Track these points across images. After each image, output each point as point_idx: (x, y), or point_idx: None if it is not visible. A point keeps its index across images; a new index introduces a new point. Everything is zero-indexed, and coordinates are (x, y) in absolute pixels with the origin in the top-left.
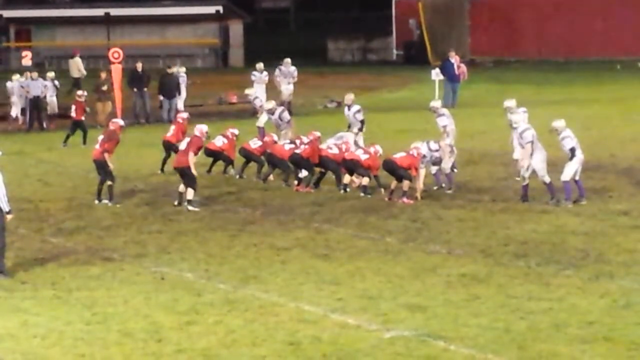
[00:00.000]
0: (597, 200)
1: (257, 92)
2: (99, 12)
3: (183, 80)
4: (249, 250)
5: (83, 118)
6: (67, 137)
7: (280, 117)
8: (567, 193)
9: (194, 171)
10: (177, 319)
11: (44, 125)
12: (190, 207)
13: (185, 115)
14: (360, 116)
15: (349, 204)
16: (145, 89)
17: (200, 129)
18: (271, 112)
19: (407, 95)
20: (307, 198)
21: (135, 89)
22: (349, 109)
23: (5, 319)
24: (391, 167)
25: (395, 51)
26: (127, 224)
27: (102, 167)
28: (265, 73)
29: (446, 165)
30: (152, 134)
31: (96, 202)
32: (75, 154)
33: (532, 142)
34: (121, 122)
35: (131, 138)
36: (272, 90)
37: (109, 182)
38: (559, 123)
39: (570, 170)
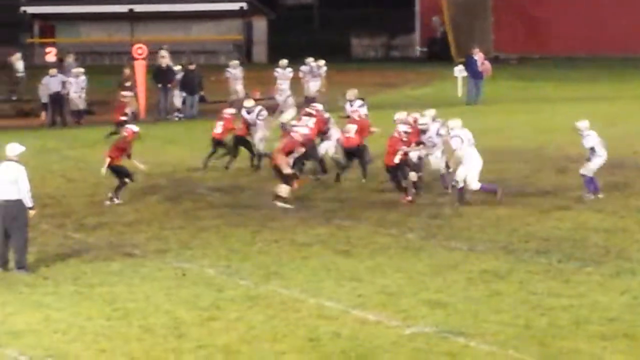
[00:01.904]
0: (619, 196)
1: (282, 87)
2: (123, 8)
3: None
4: (270, 247)
5: (123, 118)
6: (111, 133)
7: (258, 116)
8: (588, 187)
9: (286, 170)
10: (198, 315)
11: (66, 121)
12: (279, 204)
13: (232, 111)
14: (364, 110)
15: (370, 200)
16: (169, 85)
17: (298, 131)
18: (249, 111)
19: (430, 92)
20: (327, 194)
21: (159, 85)
22: (351, 105)
23: (27, 315)
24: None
25: (418, 48)
26: (148, 220)
27: (115, 171)
28: (289, 69)
29: None
30: (175, 130)
31: (108, 203)
32: (98, 150)
33: (461, 148)
34: (135, 129)
35: (154, 134)
36: (296, 86)
37: (126, 180)
38: (583, 124)
39: (593, 166)
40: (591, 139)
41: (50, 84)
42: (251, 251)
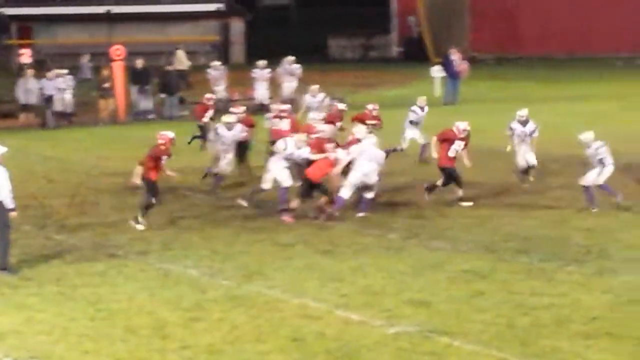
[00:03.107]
0: (600, 196)
1: (258, 89)
2: (100, 9)
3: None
4: (253, 247)
5: (205, 120)
6: (193, 137)
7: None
8: (608, 191)
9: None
10: (181, 315)
11: (49, 122)
12: (464, 204)
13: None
14: (327, 101)
15: (352, 200)
16: (147, 86)
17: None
18: (229, 127)
19: (408, 92)
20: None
21: (136, 86)
22: (313, 97)
23: (10, 316)
24: None
25: (395, 48)
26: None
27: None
28: (267, 70)
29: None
30: (154, 131)
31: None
32: (79, 150)
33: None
34: (170, 135)
35: (133, 135)
36: (274, 87)
37: (149, 200)
38: (587, 135)
39: (603, 177)
40: (601, 150)
41: (46, 87)
42: (234, 252)
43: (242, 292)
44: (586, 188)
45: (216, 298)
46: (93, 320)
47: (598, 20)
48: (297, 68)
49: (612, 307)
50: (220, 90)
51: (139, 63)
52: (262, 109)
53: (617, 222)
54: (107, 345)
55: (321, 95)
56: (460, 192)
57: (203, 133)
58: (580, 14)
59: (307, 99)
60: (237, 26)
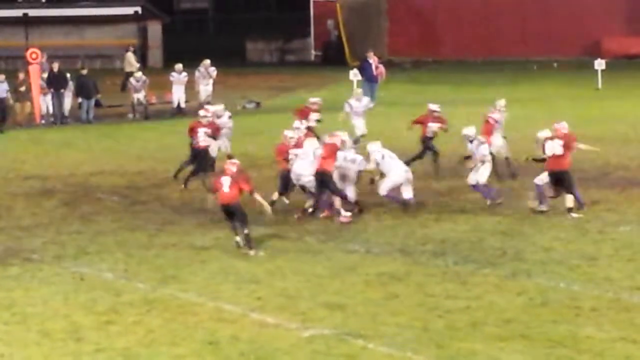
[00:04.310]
0: (514, 199)
1: (175, 92)
2: (17, 12)
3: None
4: (168, 250)
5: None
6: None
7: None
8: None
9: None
10: (96, 319)
11: None
12: (574, 215)
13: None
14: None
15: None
16: (63, 90)
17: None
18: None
19: (325, 96)
20: None
21: (52, 90)
22: (358, 101)
23: None
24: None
25: (313, 52)
26: (46, 224)
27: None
28: (184, 74)
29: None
30: (71, 134)
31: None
32: None
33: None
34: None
35: (49, 139)
36: (191, 90)
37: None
38: (469, 130)
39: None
40: (482, 148)
41: None
42: (149, 255)
43: (157, 295)
44: (474, 187)
45: (131, 301)
46: (7, 324)
47: (513, 24)
48: (212, 71)
49: (526, 309)
50: (140, 96)
51: (55, 67)
52: (180, 112)
53: (531, 225)
54: (21, 349)
55: (366, 100)
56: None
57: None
58: (495, 19)
59: (352, 103)
60: (155, 30)
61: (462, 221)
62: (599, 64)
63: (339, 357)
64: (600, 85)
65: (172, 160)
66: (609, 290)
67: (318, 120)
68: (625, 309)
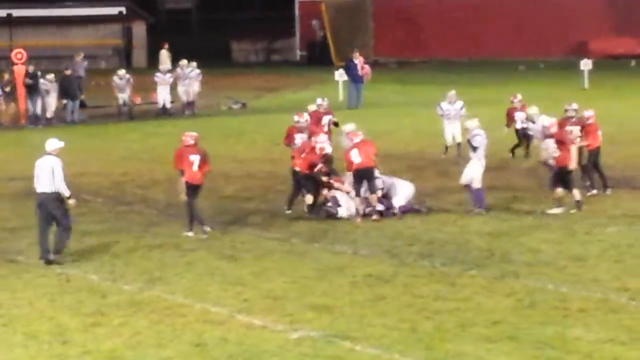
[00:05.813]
0: (501, 200)
1: (160, 93)
2: (1, 13)
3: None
4: (154, 252)
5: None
6: None
7: None
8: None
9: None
10: (82, 321)
11: None
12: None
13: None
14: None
15: (254, 205)
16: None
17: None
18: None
19: (311, 96)
20: (212, 199)
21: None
22: (450, 104)
23: None
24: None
25: (298, 52)
26: (31, 225)
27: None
28: (169, 74)
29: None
30: (55, 135)
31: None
32: None
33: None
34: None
35: (34, 140)
36: (176, 90)
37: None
38: (472, 123)
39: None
40: (477, 139)
41: None
42: (135, 256)
43: (143, 297)
44: (467, 187)
45: (117, 303)
46: None
47: (499, 25)
48: (190, 71)
49: (514, 310)
50: (125, 97)
51: (30, 68)
52: (165, 113)
53: (518, 227)
54: (7, 351)
55: (460, 103)
56: None
57: None
58: (481, 19)
59: (444, 106)
60: (139, 30)
61: (449, 222)
62: (585, 64)
63: (327, 359)
64: (586, 86)
65: (158, 161)
66: (597, 291)
67: (336, 123)
68: (613, 310)
